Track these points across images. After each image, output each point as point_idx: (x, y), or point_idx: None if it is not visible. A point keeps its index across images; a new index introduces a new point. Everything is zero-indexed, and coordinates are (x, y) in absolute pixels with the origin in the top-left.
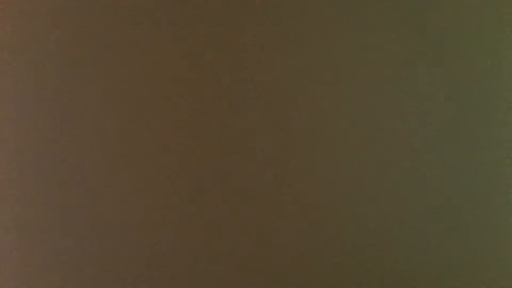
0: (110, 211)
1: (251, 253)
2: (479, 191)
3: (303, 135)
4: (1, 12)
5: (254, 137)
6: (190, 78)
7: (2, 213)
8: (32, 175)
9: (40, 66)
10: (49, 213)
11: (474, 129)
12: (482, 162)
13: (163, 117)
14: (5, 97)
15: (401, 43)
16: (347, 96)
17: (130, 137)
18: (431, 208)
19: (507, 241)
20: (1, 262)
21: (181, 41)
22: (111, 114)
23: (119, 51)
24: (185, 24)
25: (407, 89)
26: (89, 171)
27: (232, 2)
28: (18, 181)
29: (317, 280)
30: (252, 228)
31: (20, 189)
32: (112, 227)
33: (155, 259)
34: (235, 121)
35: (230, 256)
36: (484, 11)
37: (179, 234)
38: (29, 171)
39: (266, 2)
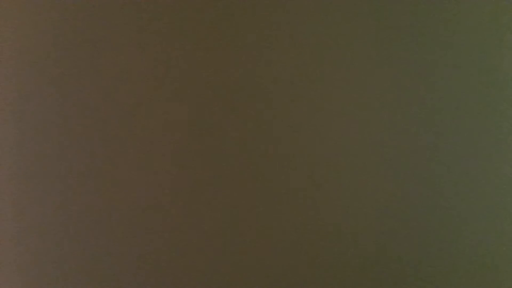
0: (111, 212)
1: (251, 254)
2: (479, 191)
3: (303, 136)
4: (1, 12)
5: (254, 138)
6: (190, 78)
7: (2, 213)
8: (32, 175)
9: (40, 66)
10: (49, 213)
11: (474, 129)
12: (482, 162)
13: (163, 117)
14: (5, 97)
15: (401, 43)
16: (347, 96)
17: (131, 137)
18: (431, 208)
19: (507, 241)
20: (1, 262)
21: (181, 41)
22: (112, 114)
23: (119, 51)
24: (185, 24)
25: (407, 89)
26: (89, 170)
27: (233, 3)
28: (18, 182)
29: (317, 280)
30: (252, 228)
31: (20, 189)
32: (112, 227)
33: (155, 260)
34: (234, 121)
35: (229, 256)
36: (484, 12)
37: (180, 235)
38: (29, 171)
39: (266, 2)
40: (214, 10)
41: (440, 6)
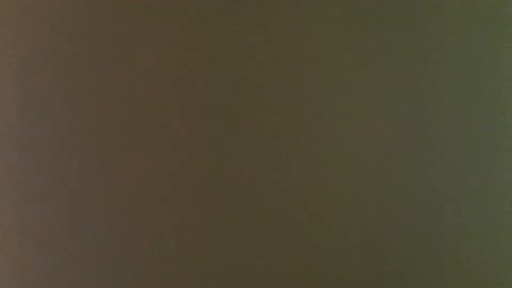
0: (111, 211)
1: (251, 254)
2: (479, 191)
3: (303, 136)
4: (1, 12)
5: (254, 138)
6: (190, 78)
7: (2, 213)
8: (32, 175)
9: (40, 66)
10: (49, 213)
11: (474, 129)
12: (482, 162)
13: (163, 118)
14: (5, 97)
15: (401, 43)
16: (346, 97)
17: (131, 137)
18: (431, 208)
19: (507, 241)
20: (1, 262)
21: (182, 41)
22: (112, 114)
23: (119, 51)
24: (185, 24)
25: (407, 89)
26: (89, 170)
27: (233, 3)
28: (18, 182)
29: (317, 280)
30: (253, 227)
31: (20, 189)
32: (112, 228)
33: (156, 260)
34: (235, 121)
35: (229, 256)
36: (484, 11)
37: (180, 235)
38: (29, 171)
39: (267, 2)
40: (214, 11)
41: (439, 6)
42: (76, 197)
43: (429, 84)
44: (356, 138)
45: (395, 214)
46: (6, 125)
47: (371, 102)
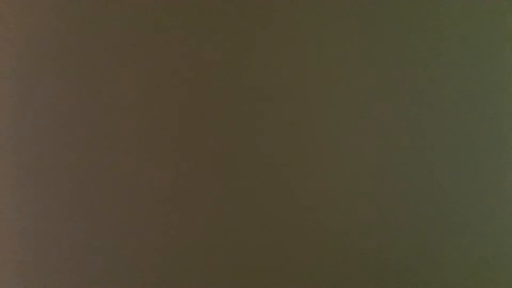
0: (111, 211)
1: (251, 254)
2: (479, 191)
3: (303, 136)
4: (1, 12)
5: (254, 138)
6: (190, 79)
7: (2, 213)
8: (32, 175)
9: (40, 66)
10: (49, 213)
11: (474, 129)
12: (482, 162)
13: (163, 118)
14: (5, 97)
15: (401, 43)
16: (347, 97)
17: (130, 137)
18: (431, 208)
19: (507, 241)
20: (1, 262)
21: (182, 41)
22: (112, 114)
23: (120, 51)
24: (186, 24)
25: (407, 89)
26: (89, 170)
27: (234, 4)
28: (18, 182)
29: (317, 280)
30: (252, 227)
31: (20, 189)
32: (112, 227)
33: (156, 260)
34: (235, 121)
35: (229, 256)
36: (484, 12)
37: (181, 235)
38: (29, 171)
39: (267, 3)
40: (214, 10)
41: (440, 6)
42: (76, 197)
43: (429, 84)
44: (356, 138)
45: (395, 214)
46: (6, 124)
47: (371, 102)
